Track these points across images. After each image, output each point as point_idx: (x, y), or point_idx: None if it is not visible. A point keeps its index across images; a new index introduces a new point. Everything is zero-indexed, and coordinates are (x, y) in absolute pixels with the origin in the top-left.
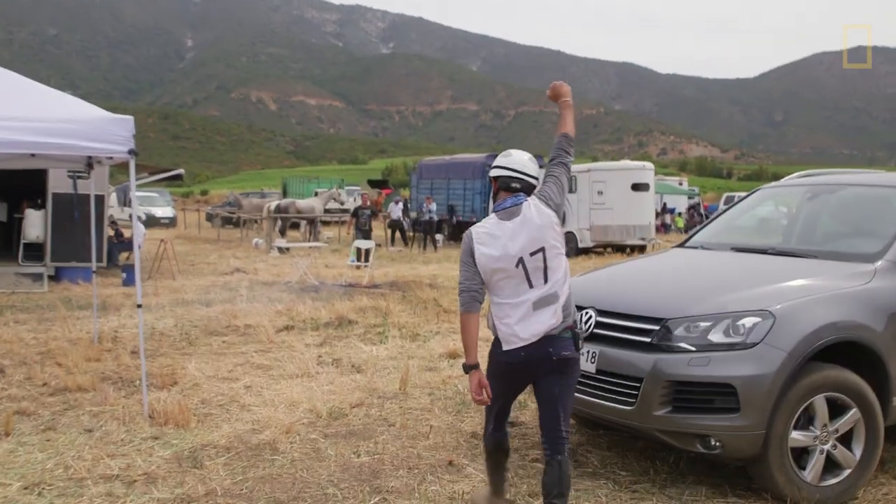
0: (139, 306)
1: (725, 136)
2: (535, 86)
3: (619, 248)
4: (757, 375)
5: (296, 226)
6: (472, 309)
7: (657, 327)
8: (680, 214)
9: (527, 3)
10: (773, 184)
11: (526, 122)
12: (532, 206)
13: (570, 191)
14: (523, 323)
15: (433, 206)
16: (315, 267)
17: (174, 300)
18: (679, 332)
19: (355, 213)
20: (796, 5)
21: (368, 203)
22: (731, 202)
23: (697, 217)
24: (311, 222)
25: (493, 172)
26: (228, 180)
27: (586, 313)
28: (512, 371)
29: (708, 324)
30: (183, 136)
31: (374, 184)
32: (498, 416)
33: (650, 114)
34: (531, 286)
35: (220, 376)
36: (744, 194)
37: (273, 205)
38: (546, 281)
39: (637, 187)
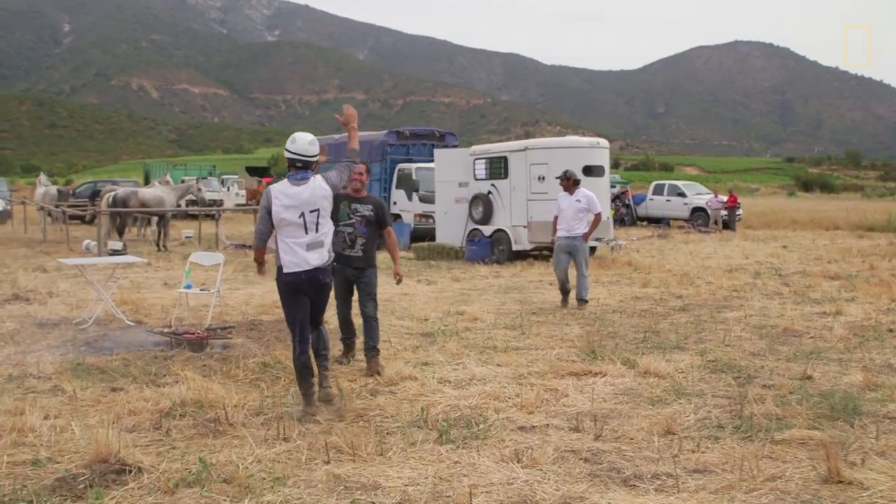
0: None
1: (610, 127)
2: (422, 75)
3: None
4: None
5: (148, 222)
6: (261, 244)
7: None
8: None
9: None
10: None
11: (414, 112)
12: (317, 180)
13: (501, 176)
14: (301, 256)
15: None
16: (140, 290)
17: None
18: None
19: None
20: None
21: None
22: (660, 191)
23: (623, 208)
24: (161, 218)
25: (285, 154)
26: (107, 170)
27: None
28: (295, 288)
29: None
30: (59, 124)
31: (252, 171)
32: (302, 332)
33: (536, 104)
34: (307, 233)
35: None
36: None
37: (109, 195)
38: (317, 231)
39: (590, 171)
